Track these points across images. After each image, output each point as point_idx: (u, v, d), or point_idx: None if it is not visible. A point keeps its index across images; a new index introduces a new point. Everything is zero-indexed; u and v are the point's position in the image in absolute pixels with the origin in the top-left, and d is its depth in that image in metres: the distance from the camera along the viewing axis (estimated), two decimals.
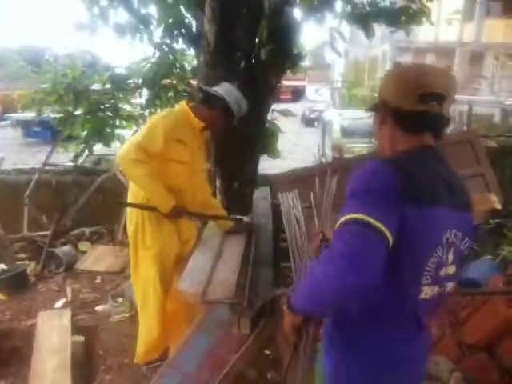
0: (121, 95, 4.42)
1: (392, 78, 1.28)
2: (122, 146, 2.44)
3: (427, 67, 1.26)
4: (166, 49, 3.87)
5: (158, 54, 4.11)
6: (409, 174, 1.12)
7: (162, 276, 2.51)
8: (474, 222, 1.27)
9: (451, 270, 1.23)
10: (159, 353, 2.66)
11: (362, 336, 1.24)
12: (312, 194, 2.80)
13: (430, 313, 1.31)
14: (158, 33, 3.68)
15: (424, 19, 3.45)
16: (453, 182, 1.23)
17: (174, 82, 4.43)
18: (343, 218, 1.09)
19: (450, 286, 1.27)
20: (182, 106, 2.57)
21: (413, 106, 1.18)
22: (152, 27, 3.63)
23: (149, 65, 4.41)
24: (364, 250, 1.05)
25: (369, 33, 3.34)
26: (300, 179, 4.18)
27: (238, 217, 2.76)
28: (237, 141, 3.05)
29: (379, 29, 3.72)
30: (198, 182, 2.62)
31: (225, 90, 2.52)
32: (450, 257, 1.21)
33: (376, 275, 1.05)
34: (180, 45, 3.77)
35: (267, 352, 2.83)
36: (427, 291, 1.19)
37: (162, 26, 3.57)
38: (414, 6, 3.36)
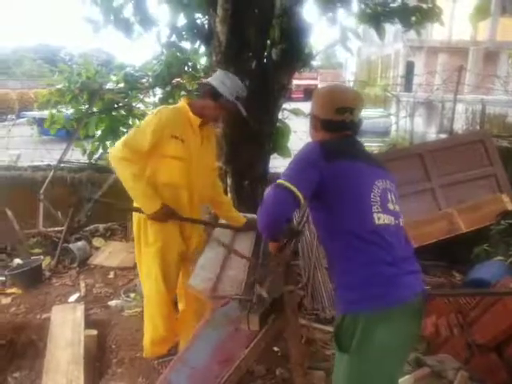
0: (134, 94, 4.47)
1: (317, 97, 1.80)
2: (116, 144, 2.44)
3: (341, 88, 1.92)
4: (173, 48, 3.90)
5: (165, 52, 4.16)
6: (330, 144, 1.65)
7: (164, 272, 2.51)
8: (391, 174, 1.75)
9: (396, 207, 1.65)
10: (167, 348, 2.70)
11: (347, 268, 1.58)
12: None
13: (400, 241, 1.61)
14: (165, 32, 3.74)
15: (436, 19, 3.42)
16: (367, 153, 1.80)
17: (185, 81, 4.47)
18: (277, 181, 1.57)
19: (402, 221, 1.65)
20: (182, 102, 2.52)
21: (333, 116, 1.70)
22: (159, 27, 3.69)
23: (160, 63, 4.46)
24: (277, 202, 1.54)
25: (380, 32, 3.33)
26: None
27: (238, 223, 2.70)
28: (248, 139, 3.08)
29: (392, 28, 3.71)
30: (204, 179, 2.55)
31: (213, 76, 2.49)
32: (392, 197, 1.65)
33: (282, 217, 1.57)
34: (189, 44, 3.82)
35: (276, 349, 2.86)
36: (380, 217, 1.57)
37: (170, 25, 3.61)
38: (425, 6, 3.33)
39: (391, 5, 3.34)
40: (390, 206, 1.62)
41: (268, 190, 1.59)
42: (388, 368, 1.55)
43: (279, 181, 1.55)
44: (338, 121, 1.69)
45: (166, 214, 2.38)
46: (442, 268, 4.11)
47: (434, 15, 3.35)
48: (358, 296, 1.52)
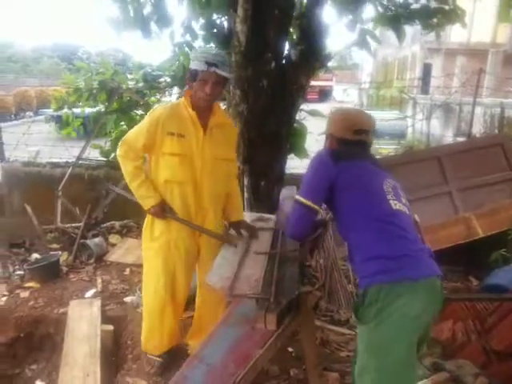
0: (152, 93, 4.51)
1: (335, 118, 1.99)
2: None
3: (357, 111, 2.21)
4: (186, 48, 3.92)
5: (177, 52, 4.17)
6: (338, 150, 1.86)
7: (166, 269, 2.46)
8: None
9: (407, 203, 1.81)
10: (159, 351, 2.67)
11: (369, 246, 1.68)
12: None
13: (414, 232, 1.74)
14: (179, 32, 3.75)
15: (458, 20, 3.37)
16: (374, 158, 1.98)
17: None
18: (296, 197, 1.84)
19: (415, 216, 1.86)
20: (184, 97, 2.44)
21: (351, 137, 1.88)
22: (173, 27, 3.71)
23: (177, 63, 4.48)
24: (298, 218, 1.86)
25: (400, 34, 3.30)
26: None
27: (230, 235, 2.56)
28: (265, 140, 3.09)
29: (409, 29, 3.68)
30: (215, 173, 2.42)
31: None
32: (402, 194, 1.82)
33: (303, 232, 1.93)
34: (204, 44, 3.82)
35: (290, 349, 2.86)
36: (396, 203, 1.73)
37: (185, 24, 3.63)
38: (446, 7, 3.29)
39: (412, 6, 3.31)
40: (403, 199, 1.79)
41: (292, 206, 1.89)
42: (406, 338, 1.60)
43: (297, 197, 1.83)
44: (355, 140, 1.89)
45: (160, 211, 2.36)
46: (458, 273, 4.06)
47: (456, 17, 3.31)
48: (380, 267, 1.61)
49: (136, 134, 2.35)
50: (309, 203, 1.77)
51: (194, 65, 2.24)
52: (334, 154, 1.81)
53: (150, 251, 2.51)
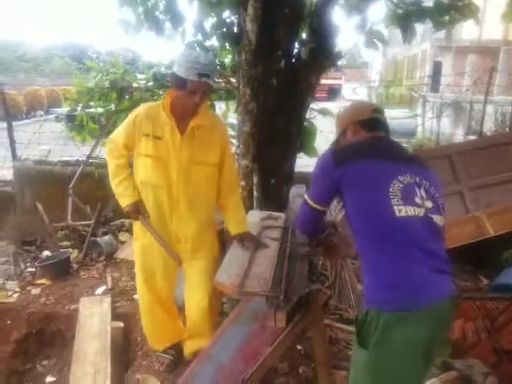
0: (163, 92, 4.53)
1: (352, 107, 1.98)
2: None
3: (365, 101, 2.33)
4: (198, 47, 3.93)
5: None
6: (340, 149, 1.81)
7: (145, 270, 2.49)
8: (431, 173, 1.76)
9: (428, 203, 1.60)
10: (163, 346, 2.71)
11: (370, 265, 1.57)
12: None
13: (431, 236, 1.55)
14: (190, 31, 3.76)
15: (471, 16, 3.32)
16: (396, 151, 1.79)
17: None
18: (304, 196, 1.86)
19: (436, 218, 1.59)
20: (165, 97, 2.33)
21: (371, 115, 1.86)
22: (184, 26, 3.72)
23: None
24: (304, 217, 1.90)
25: (409, 34, 3.26)
26: None
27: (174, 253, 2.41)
28: (275, 138, 3.09)
29: (419, 27, 3.64)
30: (193, 177, 2.30)
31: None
32: (422, 193, 1.61)
33: (309, 229, 2.00)
34: (215, 43, 3.84)
35: (299, 347, 2.86)
36: (402, 209, 1.53)
37: (196, 24, 3.64)
38: (460, 3, 3.24)
39: (424, 4, 3.26)
40: (418, 200, 1.58)
41: (300, 204, 1.91)
42: (404, 372, 1.50)
43: (305, 197, 1.84)
44: (376, 118, 1.86)
45: (133, 211, 2.32)
46: (468, 272, 4.03)
47: (469, 12, 3.25)
48: (380, 296, 1.50)
49: (118, 133, 2.36)
50: (314, 205, 1.78)
51: (181, 72, 2.08)
52: (337, 154, 1.72)
53: (135, 250, 2.55)
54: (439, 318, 1.49)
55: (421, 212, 1.56)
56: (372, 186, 1.60)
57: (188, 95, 2.13)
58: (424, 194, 1.61)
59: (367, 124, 1.84)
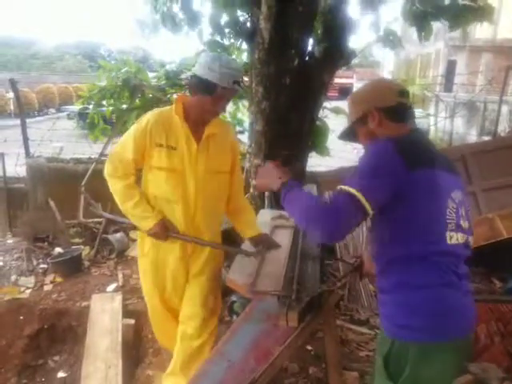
0: (176, 90, 4.54)
1: (374, 87, 1.60)
2: None
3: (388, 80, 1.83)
4: (215, 46, 3.93)
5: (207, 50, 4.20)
6: (407, 145, 1.39)
7: (157, 286, 2.31)
8: (462, 182, 1.52)
9: (466, 224, 1.43)
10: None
11: (407, 285, 1.38)
12: None
13: (464, 262, 1.44)
14: (207, 30, 3.77)
15: (486, 18, 3.28)
16: (440, 155, 1.49)
17: None
18: (344, 186, 1.33)
19: (471, 239, 1.46)
20: (175, 102, 2.14)
21: (398, 100, 1.49)
22: (202, 24, 3.73)
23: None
24: (343, 212, 1.31)
25: (426, 32, 3.23)
26: (347, 177, 4.16)
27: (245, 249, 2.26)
28: (287, 137, 3.08)
29: (433, 26, 3.61)
30: (210, 189, 2.17)
31: (197, 63, 2.04)
32: (463, 212, 1.43)
33: (345, 230, 1.35)
34: (231, 41, 3.84)
35: (309, 347, 2.86)
36: (453, 236, 1.37)
37: (213, 22, 3.64)
38: (475, 5, 3.21)
39: (441, 3, 3.23)
40: (462, 224, 1.42)
41: (334, 195, 1.35)
42: None
43: (349, 189, 1.31)
44: (404, 104, 1.51)
45: (162, 231, 2.10)
46: (481, 275, 3.99)
47: (485, 14, 3.21)
48: (412, 322, 1.33)
49: (123, 148, 2.07)
50: (362, 198, 1.30)
51: (211, 77, 1.94)
52: (408, 155, 1.35)
53: (141, 266, 2.35)
54: (469, 346, 1.44)
55: (464, 237, 1.42)
56: (432, 204, 1.36)
57: (214, 101, 2.00)
58: (464, 214, 1.44)
59: (395, 114, 1.49)
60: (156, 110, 2.15)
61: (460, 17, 3.21)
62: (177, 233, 2.14)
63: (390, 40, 3.35)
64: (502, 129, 8.23)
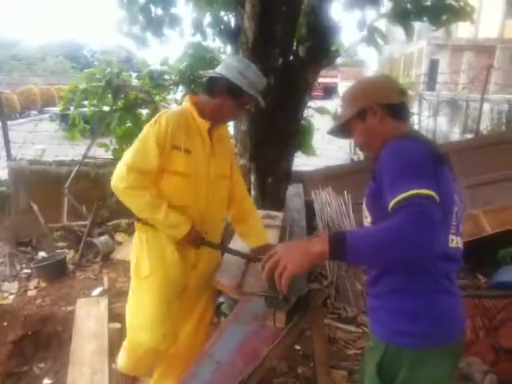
0: (158, 91, 4.51)
1: (376, 82, 1.53)
2: (116, 170, 1.95)
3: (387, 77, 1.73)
4: (197, 47, 3.91)
5: (190, 51, 4.18)
6: (427, 145, 1.33)
7: (165, 300, 2.07)
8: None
9: (460, 227, 1.37)
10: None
11: (405, 290, 1.31)
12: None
13: (457, 266, 1.39)
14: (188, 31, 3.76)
15: (467, 18, 3.33)
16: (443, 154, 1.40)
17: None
18: (406, 194, 1.13)
19: (461, 242, 1.39)
20: (186, 103, 2.07)
21: (397, 99, 1.42)
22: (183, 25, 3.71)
23: (185, 62, 4.48)
24: (434, 217, 1.11)
25: (409, 31, 3.27)
26: (333, 177, 4.18)
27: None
28: (272, 137, 3.07)
29: (416, 25, 3.65)
30: (219, 196, 2.13)
31: (222, 65, 1.99)
32: (460, 215, 1.37)
33: (430, 239, 1.11)
34: (216, 42, 3.83)
35: (297, 347, 2.86)
36: (453, 239, 1.33)
37: (195, 23, 3.63)
38: (456, 5, 3.26)
39: (424, 3, 3.26)
40: (459, 226, 1.37)
41: (407, 204, 1.13)
42: None
43: (418, 191, 1.13)
44: (405, 104, 1.45)
45: (196, 236, 2.01)
46: (465, 270, 4.03)
47: (465, 14, 3.26)
48: (409, 329, 1.30)
49: (144, 153, 1.91)
50: (432, 193, 1.13)
51: (241, 82, 1.89)
52: (431, 150, 1.29)
53: (147, 286, 2.09)
54: (461, 348, 1.42)
55: (461, 241, 1.37)
56: (446, 205, 1.26)
57: (235, 107, 1.97)
58: (460, 217, 1.38)
59: (397, 112, 1.42)
60: (173, 111, 2.04)
61: (442, 16, 3.25)
62: (206, 238, 2.06)
63: (375, 39, 3.37)
64: (484, 127, 8.36)
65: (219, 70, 1.96)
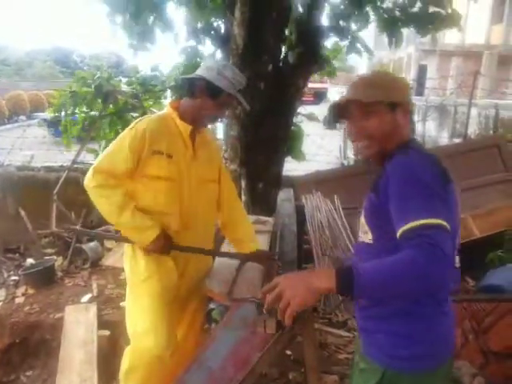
0: (148, 96, 4.51)
1: (398, 82, 1.39)
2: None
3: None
4: (191, 52, 3.91)
5: (183, 56, 4.18)
6: (433, 160, 1.24)
7: (164, 306, 2.06)
8: None
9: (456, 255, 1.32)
10: None
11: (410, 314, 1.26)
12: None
13: (457, 285, 1.40)
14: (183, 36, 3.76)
15: (454, 25, 3.37)
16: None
17: None
18: (415, 223, 1.08)
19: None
20: (168, 108, 2.08)
21: (409, 98, 1.36)
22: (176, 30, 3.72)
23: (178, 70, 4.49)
24: (445, 249, 1.04)
25: (397, 39, 3.29)
26: (323, 181, 4.20)
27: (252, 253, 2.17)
28: (262, 142, 3.08)
29: (405, 31, 3.68)
30: (204, 199, 2.10)
31: (202, 67, 2.01)
32: (458, 231, 1.31)
33: (445, 272, 1.07)
34: (207, 48, 3.85)
35: (288, 352, 2.85)
36: (456, 259, 1.29)
37: (188, 28, 3.63)
38: (443, 12, 3.29)
39: (410, 10, 3.29)
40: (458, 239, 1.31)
41: (420, 235, 1.06)
42: None
43: (429, 221, 1.07)
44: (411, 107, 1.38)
45: (166, 243, 1.97)
46: None
47: (452, 22, 3.29)
48: (412, 353, 1.25)
49: (115, 156, 1.90)
50: (443, 222, 1.07)
51: (219, 82, 1.90)
52: (439, 168, 1.23)
53: (145, 291, 2.08)
54: (452, 367, 1.40)
55: (458, 258, 1.32)
56: (455, 222, 1.21)
57: (217, 107, 1.97)
58: (458, 233, 1.33)
59: (411, 114, 1.37)
60: (153, 116, 2.05)
61: (429, 24, 3.29)
62: (180, 246, 2.02)
63: (357, 47, 3.40)
64: (472, 131, 8.46)
65: (198, 71, 1.98)
